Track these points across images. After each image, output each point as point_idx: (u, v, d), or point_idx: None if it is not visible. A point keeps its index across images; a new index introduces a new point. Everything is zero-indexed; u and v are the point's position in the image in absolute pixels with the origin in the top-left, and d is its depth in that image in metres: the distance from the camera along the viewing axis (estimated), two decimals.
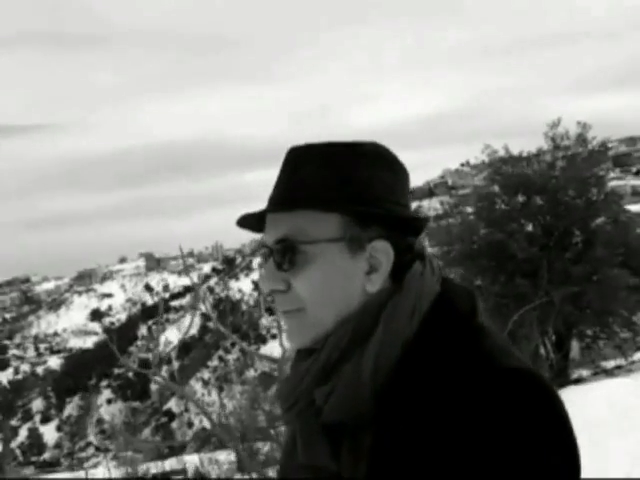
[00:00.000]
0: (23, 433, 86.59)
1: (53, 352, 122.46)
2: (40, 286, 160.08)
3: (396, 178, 0.89)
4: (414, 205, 0.96)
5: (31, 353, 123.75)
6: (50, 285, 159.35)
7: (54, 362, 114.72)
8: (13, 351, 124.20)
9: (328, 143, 0.88)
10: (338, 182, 0.86)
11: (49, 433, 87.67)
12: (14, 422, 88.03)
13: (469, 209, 13.48)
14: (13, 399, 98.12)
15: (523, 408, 0.74)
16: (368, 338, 0.83)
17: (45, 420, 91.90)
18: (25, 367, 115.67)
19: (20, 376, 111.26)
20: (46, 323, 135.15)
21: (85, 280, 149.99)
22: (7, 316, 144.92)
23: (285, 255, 0.86)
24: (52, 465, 55.70)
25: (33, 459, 72.79)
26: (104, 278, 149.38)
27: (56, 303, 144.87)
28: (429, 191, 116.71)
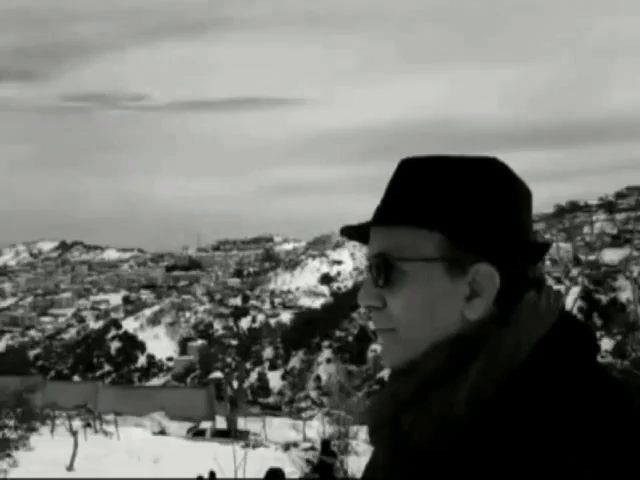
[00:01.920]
0: (254, 376, 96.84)
1: (285, 307, 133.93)
2: (280, 246, 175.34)
3: (511, 197, 0.82)
4: None
5: (267, 306, 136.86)
6: (289, 246, 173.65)
7: (285, 317, 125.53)
8: (253, 302, 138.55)
9: (442, 157, 0.84)
10: (445, 199, 0.81)
11: (274, 380, 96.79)
12: (248, 365, 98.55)
13: None
14: (249, 344, 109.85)
15: None
16: (463, 368, 0.77)
17: (272, 367, 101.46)
18: (261, 317, 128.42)
19: (257, 325, 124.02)
20: (282, 280, 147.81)
21: (319, 245, 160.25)
22: (251, 270, 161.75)
23: (381, 271, 0.82)
24: (274, 409, 61.53)
25: (260, 400, 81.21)
26: (337, 245, 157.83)
27: (292, 263, 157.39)
28: None
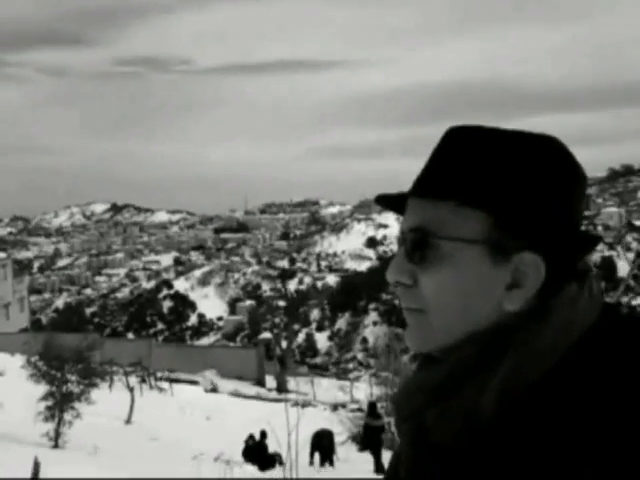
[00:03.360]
0: (301, 337, 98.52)
1: (331, 270, 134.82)
2: (326, 209, 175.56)
3: (569, 183, 0.75)
4: None
5: (313, 268, 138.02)
6: (335, 209, 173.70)
7: (331, 279, 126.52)
8: (300, 264, 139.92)
9: (495, 130, 0.76)
10: (494, 176, 0.73)
11: (322, 341, 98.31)
12: (296, 326, 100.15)
13: None
14: (297, 306, 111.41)
15: None
16: (495, 363, 0.72)
17: (319, 329, 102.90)
18: (308, 280, 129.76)
19: (303, 287, 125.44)
20: (328, 243, 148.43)
21: (365, 209, 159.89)
22: (297, 232, 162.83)
23: (416, 247, 0.75)
24: (322, 369, 62.65)
25: (307, 360, 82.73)
26: (382, 209, 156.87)
27: (338, 227, 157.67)
28: None
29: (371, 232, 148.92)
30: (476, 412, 0.71)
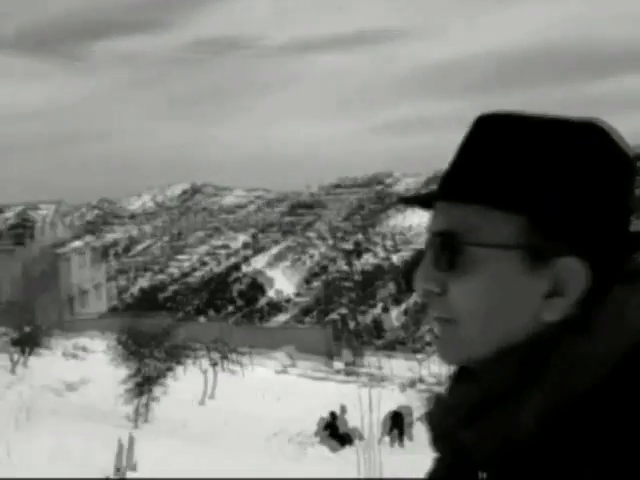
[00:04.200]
0: (371, 315, 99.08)
1: (403, 247, 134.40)
2: (398, 185, 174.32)
3: (615, 175, 0.67)
4: None
5: (385, 244, 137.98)
6: (407, 184, 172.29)
7: (401, 257, 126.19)
8: (371, 241, 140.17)
9: (529, 117, 0.68)
10: (529, 174, 0.65)
11: (392, 319, 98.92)
12: (366, 304, 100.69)
13: None
14: (368, 284, 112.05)
15: None
16: (535, 380, 0.65)
17: (390, 307, 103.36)
18: (379, 257, 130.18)
19: (374, 263, 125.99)
20: (401, 218, 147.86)
21: (434, 184, 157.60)
22: (370, 207, 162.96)
23: (445, 253, 0.68)
24: (391, 348, 63.14)
25: (377, 339, 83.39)
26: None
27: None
28: None
29: None
30: (515, 430, 0.64)
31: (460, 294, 0.68)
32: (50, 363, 22.19)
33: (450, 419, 0.70)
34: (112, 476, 8.64)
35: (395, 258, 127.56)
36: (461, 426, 0.69)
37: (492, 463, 0.67)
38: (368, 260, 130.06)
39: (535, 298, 0.66)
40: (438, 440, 0.74)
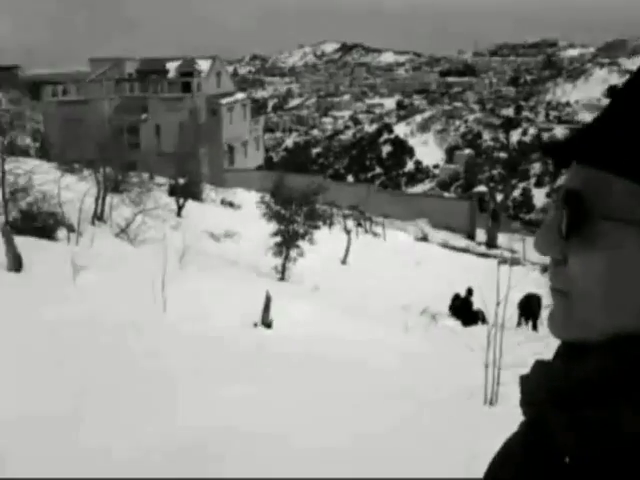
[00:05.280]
0: (518, 191, 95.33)
1: (561, 122, 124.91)
2: (564, 52, 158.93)
3: None
4: None
5: (541, 118, 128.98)
6: (574, 52, 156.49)
7: (560, 132, 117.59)
8: (526, 113, 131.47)
9: None
10: None
11: (539, 197, 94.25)
12: (514, 180, 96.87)
13: None
14: (518, 158, 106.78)
15: None
16: None
17: (539, 184, 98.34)
18: (533, 131, 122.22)
19: (528, 138, 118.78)
20: (561, 91, 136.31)
21: (611, 52, 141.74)
22: (528, 78, 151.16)
23: (574, 221, 0.60)
24: (536, 226, 60.97)
25: (522, 216, 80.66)
26: (633, 52, 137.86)
27: (576, 72, 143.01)
28: None
29: (614, 80, 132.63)
30: (619, 440, 0.57)
31: (580, 266, 0.61)
32: (206, 211, 24.09)
33: (542, 394, 0.65)
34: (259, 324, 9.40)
35: (557, 131, 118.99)
36: (549, 405, 0.63)
37: (583, 461, 0.59)
38: (528, 130, 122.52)
39: None
40: (526, 406, 0.68)
